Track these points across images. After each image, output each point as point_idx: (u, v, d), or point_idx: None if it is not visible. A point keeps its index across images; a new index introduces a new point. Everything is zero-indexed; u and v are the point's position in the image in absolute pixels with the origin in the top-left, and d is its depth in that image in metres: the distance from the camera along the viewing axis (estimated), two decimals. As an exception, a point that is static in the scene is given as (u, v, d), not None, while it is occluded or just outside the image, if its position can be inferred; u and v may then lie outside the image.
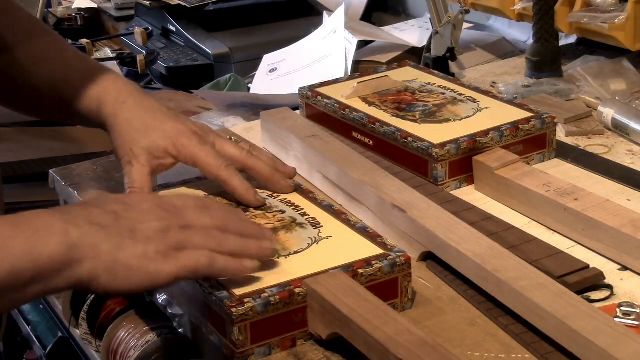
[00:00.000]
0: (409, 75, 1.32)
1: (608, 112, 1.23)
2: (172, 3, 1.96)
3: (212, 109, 1.52)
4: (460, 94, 1.23)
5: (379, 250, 0.87)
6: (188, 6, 1.94)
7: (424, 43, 1.60)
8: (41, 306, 1.50)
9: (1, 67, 1.03)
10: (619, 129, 1.22)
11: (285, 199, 0.98)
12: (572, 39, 1.61)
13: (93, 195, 0.87)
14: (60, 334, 1.41)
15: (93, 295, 1.15)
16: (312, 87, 1.29)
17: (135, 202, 0.80)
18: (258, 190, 0.99)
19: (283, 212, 0.96)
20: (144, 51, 1.93)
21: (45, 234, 0.73)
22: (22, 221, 0.74)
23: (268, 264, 0.86)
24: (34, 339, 1.50)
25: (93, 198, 0.84)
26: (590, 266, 0.90)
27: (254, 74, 1.71)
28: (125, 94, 1.00)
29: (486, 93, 1.24)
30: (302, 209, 0.96)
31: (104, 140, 1.55)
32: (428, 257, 0.95)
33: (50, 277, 0.73)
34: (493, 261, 0.87)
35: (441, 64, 1.48)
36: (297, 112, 1.29)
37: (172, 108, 1.59)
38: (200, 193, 1.00)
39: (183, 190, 1.02)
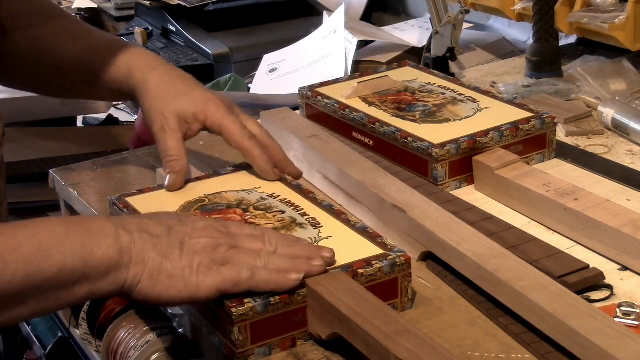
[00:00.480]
0: (409, 75, 1.32)
1: (608, 112, 1.23)
2: (172, 3, 1.96)
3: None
4: (460, 94, 1.23)
5: (379, 250, 0.87)
6: (188, 6, 1.94)
7: (424, 43, 1.60)
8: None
9: (25, 44, 1.05)
10: (619, 129, 1.22)
11: (285, 199, 0.98)
12: (572, 39, 1.61)
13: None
14: (60, 334, 1.41)
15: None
16: (312, 87, 1.29)
17: (191, 220, 0.82)
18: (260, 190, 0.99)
19: (283, 212, 0.96)
20: (143, 51, 1.93)
21: (98, 235, 0.75)
22: (76, 222, 0.76)
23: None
24: (34, 339, 1.50)
25: (151, 212, 0.87)
26: (590, 266, 0.90)
27: (254, 74, 1.71)
28: (155, 61, 1.04)
29: (486, 93, 1.24)
30: (302, 209, 0.96)
31: (104, 140, 1.56)
32: (428, 257, 0.95)
33: (98, 278, 0.75)
34: (493, 261, 0.87)
35: (441, 64, 1.49)
36: (297, 112, 1.29)
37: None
38: (200, 193, 1.00)
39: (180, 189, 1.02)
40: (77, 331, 1.19)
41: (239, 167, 1.06)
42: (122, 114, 1.99)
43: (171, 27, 1.97)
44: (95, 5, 2.30)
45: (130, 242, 0.76)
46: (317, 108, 1.26)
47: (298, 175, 1.04)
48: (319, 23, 1.77)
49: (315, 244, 0.88)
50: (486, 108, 1.18)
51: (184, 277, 0.77)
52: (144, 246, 0.76)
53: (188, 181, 1.03)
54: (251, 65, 1.77)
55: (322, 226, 0.92)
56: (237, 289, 0.78)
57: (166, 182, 1.00)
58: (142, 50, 1.06)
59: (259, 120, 1.27)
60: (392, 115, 1.18)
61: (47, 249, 0.72)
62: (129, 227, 0.77)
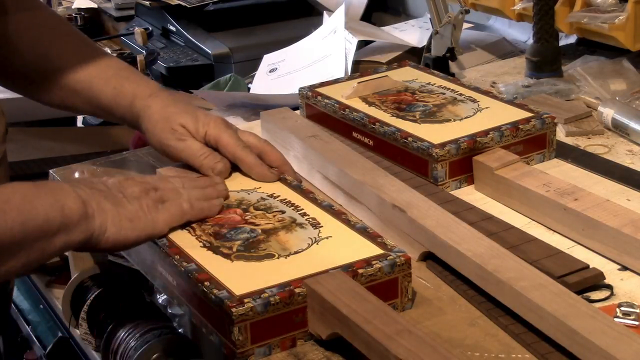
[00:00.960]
0: (409, 75, 1.32)
1: (608, 112, 1.23)
2: (172, 3, 1.96)
3: (212, 109, 1.52)
4: (460, 94, 1.23)
5: (379, 250, 0.87)
6: (188, 6, 1.94)
7: (424, 43, 1.60)
8: (41, 306, 1.50)
9: (39, 66, 1.09)
10: (619, 129, 1.22)
11: (285, 199, 0.98)
12: (572, 39, 1.61)
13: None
14: (60, 334, 1.41)
15: (93, 295, 1.15)
16: (312, 87, 1.29)
17: (107, 178, 0.93)
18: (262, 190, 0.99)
19: (283, 212, 0.96)
20: (144, 51, 1.93)
21: (62, 192, 0.84)
22: (40, 183, 0.85)
23: (268, 264, 0.86)
24: (34, 339, 1.51)
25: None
26: (590, 266, 0.90)
27: (254, 74, 1.71)
28: (157, 89, 1.10)
29: (486, 93, 1.24)
30: (302, 209, 0.96)
31: (104, 140, 1.56)
32: (428, 257, 0.95)
33: (72, 227, 0.83)
34: (493, 261, 0.87)
35: (441, 64, 1.48)
36: (297, 112, 1.29)
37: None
38: None
39: None
40: (77, 331, 1.19)
41: (238, 167, 1.06)
42: (122, 114, 1.99)
43: (171, 27, 1.97)
44: (95, 5, 2.30)
45: (87, 196, 0.85)
46: (317, 108, 1.26)
47: (297, 181, 1.05)
48: (319, 23, 1.76)
49: (206, 176, 1.01)
50: (486, 108, 1.18)
51: (140, 218, 0.88)
52: (99, 199, 0.86)
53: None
54: (251, 65, 1.76)
55: (322, 226, 0.92)
56: (182, 220, 0.92)
57: (216, 174, 1.04)
58: (146, 79, 1.13)
59: (259, 121, 1.27)
60: (392, 115, 1.18)
61: (30, 201, 0.81)
62: (79, 185, 0.87)
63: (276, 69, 1.69)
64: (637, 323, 0.81)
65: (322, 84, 1.31)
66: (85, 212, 0.84)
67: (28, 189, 0.82)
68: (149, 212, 0.89)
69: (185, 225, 0.93)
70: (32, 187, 0.83)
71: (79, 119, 1.90)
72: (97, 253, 1.14)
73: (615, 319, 0.80)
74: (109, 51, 2.04)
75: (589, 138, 1.23)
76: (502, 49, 1.72)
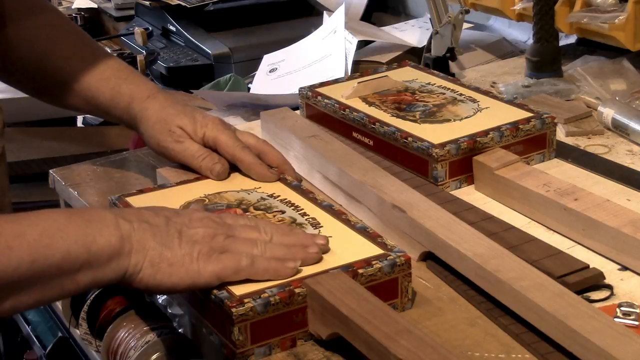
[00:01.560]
0: (409, 75, 1.32)
1: (608, 112, 1.23)
2: (172, 3, 1.96)
3: (212, 109, 1.52)
4: (460, 94, 1.23)
5: (379, 250, 0.87)
6: (188, 6, 1.94)
7: (424, 43, 1.60)
8: (41, 306, 1.50)
9: (40, 65, 1.09)
10: (619, 129, 1.22)
11: (286, 199, 0.98)
12: (572, 39, 1.61)
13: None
14: (60, 334, 1.41)
15: (93, 295, 1.15)
16: (312, 87, 1.29)
17: (187, 212, 0.85)
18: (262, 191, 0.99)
19: (283, 212, 0.96)
20: (144, 51, 1.93)
21: (99, 224, 0.77)
22: (76, 212, 0.80)
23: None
24: (34, 339, 1.51)
25: (147, 206, 0.90)
26: (590, 266, 0.90)
27: (254, 74, 1.71)
28: (155, 91, 1.09)
29: (486, 93, 1.24)
30: (302, 209, 0.96)
31: (104, 140, 1.56)
32: (428, 257, 0.95)
33: (100, 265, 0.77)
34: (493, 261, 0.87)
35: (441, 64, 1.48)
36: (297, 112, 1.29)
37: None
38: (200, 193, 1.00)
39: (180, 189, 1.02)
40: (77, 331, 1.19)
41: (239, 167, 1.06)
42: (122, 114, 1.99)
43: (171, 27, 1.97)
44: (95, 5, 2.30)
45: (131, 230, 0.78)
46: (317, 108, 1.26)
47: (297, 180, 1.05)
48: (319, 23, 1.76)
49: (308, 232, 0.90)
50: (486, 108, 1.18)
51: (184, 265, 0.79)
52: (143, 235, 0.78)
53: (188, 181, 1.04)
54: (251, 65, 1.77)
55: (322, 226, 0.92)
56: (236, 276, 0.81)
57: (214, 175, 1.03)
58: (145, 81, 1.12)
59: (258, 121, 1.27)
60: (392, 115, 1.18)
61: (50, 236, 0.74)
62: (128, 217, 0.80)
63: (276, 69, 1.69)
64: (637, 323, 0.81)
65: (322, 84, 1.31)
66: (119, 250, 0.77)
67: (54, 220, 0.76)
68: (198, 259, 0.80)
69: (246, 281, 0.83)
70: (62, 218, 0.77)
71: (79, 119, 1.91)
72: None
73: (615, 319, 0.80)
74: (108, 51, 2.04)
75: (589, 138, 1.23)
76: (502, 49, 1.72)
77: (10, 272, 0.72)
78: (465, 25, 1.63)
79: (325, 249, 0.86)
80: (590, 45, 1.52)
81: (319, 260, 0.85)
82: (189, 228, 0.81)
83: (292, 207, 0.96)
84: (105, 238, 0.77)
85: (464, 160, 1.09)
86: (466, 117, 1.16)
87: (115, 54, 1.96)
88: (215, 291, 0.81)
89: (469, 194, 1.08)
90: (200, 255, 0.80)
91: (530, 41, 1.45)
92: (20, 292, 0.74)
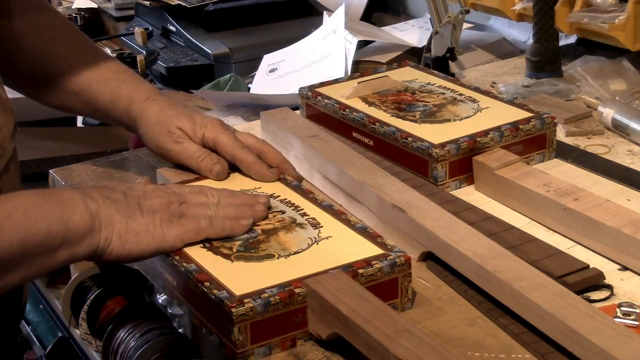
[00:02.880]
0: (409, 75, 1.32)
1: (608, 112, 1.23)
2: (172, 3, 1.96)
3: (212, 109, 1.52)
4: (460, 94, 1.23)
5: (379, 250, 0.87)
6: (188, 6, 1.94)
7: (424, 43, 1.60)
8: (41, 306, 1.50)
9: (40, 67, 1.10)
10: (619, 129, 1.22)
11: (286, 199, 0.98)
12: (572, 39, 1.61)
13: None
14: (60, 334, 1.41)
15: (93, 295, 1.15)
16: (312, 87, 1.29)
17: (138, 185, 0.91)
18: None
19: (283, 212, 0.96)
20: (144, 51, 1.93)
21: (70, 203, 0.82)
22: (48, 193, 0.84)
23: (268, 264, 0.86)
24: (34, 339, 1.51)
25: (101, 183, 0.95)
26: (590, 266, 0.90)
27: (254, 74, 1.71)
28: (154, 93, 1.10)
29: (486, 93, 1.24)
30: (302, 209, 0.96)
31: (104, 140, 1.56)
32: (428, 257, 0.95)
33: (77, 242, 0.82)
34: (493, 261, 0.87)
35: (441, 64, 1.48)
36: (297, 112, 1.29)
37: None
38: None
39: None
40: (77, 331, 1.19)
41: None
42: (122, 114, 1.98)
43: (171, 27, 1.97)
44: (95, 5, 2.30)
45: (97, 207, 0.84)
46: (317, 108, 1.26)
47: (298, 179, 1.05)
48: (319, 23, 1.76)
49: (251, 194, 0.98)
50: (486, 108, 1.18)
51: (149, 231, 0.85)
52: (109, 211, 0.84)
53: (188, 181, 1.03)
54: (251, 65, 1.77)
55: (322, 226, 0.92)
56: (197, 236, 0.88)
57: (213, 176, 1.04)
58: (144, 83, 1.13)
59: (259, 121, 1.27)
60: (392, 115, 1.18)
61: (33, 216, 0.79)
62: (92, 195, 0.85)
63: (276, 69, 1.69)
64: (637, 323, 0.81)
65: (322, 84, 1.31)
66: (91, 226, 0.83)
67: (33, 202, 0.81)
68: (160, 226, 0.86)
69: (204, 241, 0.90)
70: (39, 199, 0.81)
71: (79, 119, 1.90)
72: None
73: (615, 319, 0.80)
74: (109, 51, 2.04)
75: (589, 138, 1.23)
76: (502, 49, 1.72)
77: (4, 252, 0.76)
78: (465, 25, 1.63)
79: (268, 205, 0.95)
80: (590, 45, 1.52)
81: (265, 217, 0.93)
82: (145, 199, 0.87)
83: (292, 207, 0.96)
84: (79, 216, 0.82)
85: (464, 160, 1.09)
86: (466, 117, 1.16)
87: (115, 54, 1.96)
88: (215, 291, 0.81)
89: (469, 194, 1.08)
90: (162, 222, 0.86)
91: (530, 41, 1.45)
92: (8, 271, 0.78)
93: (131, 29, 2.05)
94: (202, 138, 1.05)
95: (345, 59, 1.58)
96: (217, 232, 0.89)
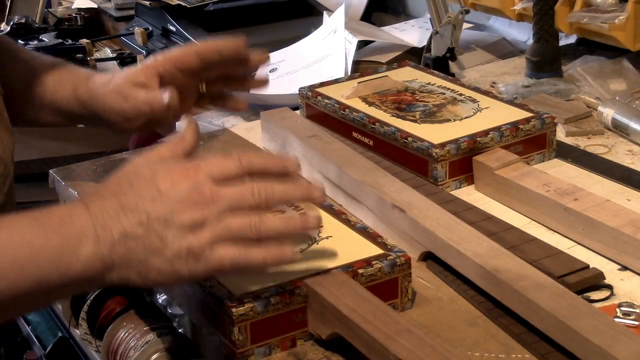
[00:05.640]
0: (409, 75, 1.32)
1: (608, 112, 1.23)
2: (172, 3, 1.96)
3: (212, 109, 1.52)
4: (460, 94, 1.23)
5: (379, 250, 0.87)
6: (188, 6, 1.94)
7: (424, 43, 1.60)
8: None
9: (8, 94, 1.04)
10: (619, 129, 1.22)
11: (285, 199, 0.98)
12: (572, 39, 1.61)
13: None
14: (60, 334, 1.41)
15: (93, 295, 1.15)
16: (312, 87, 1.29)
17: (168, 188, 0.74)
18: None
19: (283, 212, 0.95)
20: (144, 51, 1.93)
21: (77, 243, 0.71)
22: (52, 226, 0.72)
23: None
24: (34, 339, 1.51)
25: (124, 175, 0.77)
26: (590, 266, 0.90)
27: (254, 74, 1.71)
28: (96, 74, 1.05)
29: (486, 93, 1.24)
30: (302, 209, 0.96)
31: (103, 140, 1.56)
32: (428, 257, 0.95)
33: (77, 286, 0.73)
34: (493, 261, 0.87)
35: (441, 64, 1.48)
36: (297, 112, 1.29)
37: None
38: None
39: None
40: (77, 331, 1.19)
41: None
42: (122, 114, 1.98)
43: (171, 27, 1.97)
44: (95, 5, 2.30)
45: (111, 246, 0.72)
46: (317, 108, 1.26)
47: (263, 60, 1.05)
48: (319, 23, 1.76)
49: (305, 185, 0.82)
50: (486, 108, 1.18)
51: (173, 269, 0.73)
52: (126, 250, 0.72)
53: None
54: (251, 65, 1.76)
55: (322, 226, 0.92)
56: (230, 270, 0.75)
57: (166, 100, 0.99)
58: (82, 68, 1.09)
59: (259, 121, 1.27)
60: (392, 115, 1.18)
61: (21, 265, 0.69)
62: (107, 226, 0.72)
63: (276, 69, 1.69)
64: (637, 323, 0.81)
65: (322, 84, 1.31)
66: (101, 270, 0.72)
67: (30, 242, 0.70)
68: (187, 261, 0.73)
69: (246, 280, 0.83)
70: (37, 239, 0.70)
71: (79, 119, 1.90)
72: None
73: (615, 319, 0.80)
74: (109, 51, 2.04)
75: (589, 138, 1.23)
76: (502, 49, 1.72)
77: None
78: (465, 25, 1.63)
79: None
80: (590, 45, 1.52)
81: (319, 222, 0.79)
82: (173, 217, 0.73)
83: (292, 207, 0.96)
84: (83, 262, 0.71)
85: (464, 160, 1.09)
86: (466, 117, 1.16)
87: (115, 54, 1.96)
88: (215, 291, 0.81)
89: (469, 194, 1.08)
90: (189, 257, 0.73)
91: (530, 41, 1.45)
92: None
93: (131, 29, 2.05)
94: (161, 74, 1.00)
95: (345, 59, 1.58)
96: (255, 265, 0.75)
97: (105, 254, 0.72)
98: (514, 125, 1.12)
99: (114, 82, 1.01)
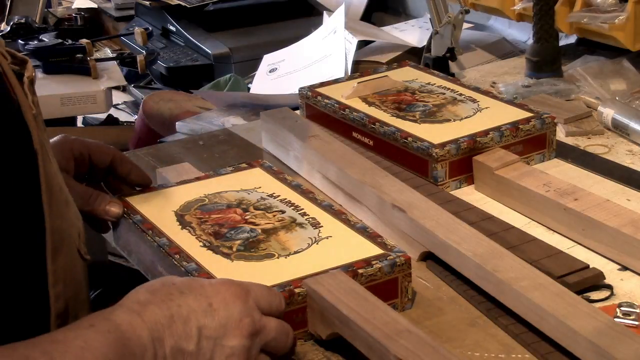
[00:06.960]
0: (409, 75, 1.32)
1: (608, 112, 1.23)
2: (172, 3, 1.96)
3: (212, 109, 1.52)
4: (460, 94, 1.23)
5: (379, 250, 0.87)
6: (188, 6, 1.94)
7: (424, 43, 1.60)
8: None
9: None
10: (619, 129, 1.22)
11: (285, 198, 0.98)
12: (572, 39, 1.61)
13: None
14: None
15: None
16: (312, 87, 1.29)
17: (219, 306, 0.74)
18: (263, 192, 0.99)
19: (283, 212, 0.96)
20: (144, 51, 1.93)
21: (141, 357, 0.70)
22: (123, 339, 0.70)
23: (268, 264, 0.86)
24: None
25: (169, 281, 0.78)
26: (590, 266, 0.90)
27: (254, 74, 1.71)
28: None
29: (486, 93, 1.24)
30: (302, 209, 0.96)
31: (104, 140, 1.56)
32: (428, 257, 0.95)
33: None
34: (493, 261, 0.87)
35: (441, 64, 1.49)
36: (297, 112, 1.29)
37: (172, 108, 1.60)
38: (200, 193, 1.00)
39: (180, 188, 1.02)
40: (77, 331, 1.19)
41: (239, 167, 1.06)
42: (122, 114, 1.99)
43: (171, 27, 1.97)
44: (95, 5, 2.31)
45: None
46: (317, 108, 1.26)
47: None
48: (319, 23, 1.77)
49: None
50: (486, 108, 1.18)
51: None
52: None
53: (188, 181, 1.03)
54: (251, 65, 1.77)
55: (322, 226, 0.92)
56: None
57: (112, 217, 0.97)
58: None
59: (258, 121, 1.27)
60: (392, 115, 1.18)
61: None
62: (162, 337, 0.71)
63: (276, 69, 1.69)
64: (637, 323, 0.81)
65: (322, 84, 1.31)
66: None
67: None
68: None
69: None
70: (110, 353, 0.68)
71: (79, 119, 1.90)
72: (97, 253, 1.08)
73: (615, 319, 0.80)
74: (109, 51, 2.05)
75: (589, 138, 1.23)
76: (502, 49, 1.72)
77: None
78: (465, 25, 1.63)
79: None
80: (590, 45, 1.52)
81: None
82: (222, 343, 0.73)
83: (292, 207, 0.96)
84: None
85: (464, 160, 1.09)
86: (466, 117, 1.16)
87: (115, 54, 1.96)
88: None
89: (469, 194, 1.08)
90: None
91: (530, 41, 1.46)
92: None
93: (131, 29, 2.05)
94: (75, 157, 0.99)
95: (345, 59, 1.58)
96: None
97: None
98: (514, 125, 1.12)
99: None
